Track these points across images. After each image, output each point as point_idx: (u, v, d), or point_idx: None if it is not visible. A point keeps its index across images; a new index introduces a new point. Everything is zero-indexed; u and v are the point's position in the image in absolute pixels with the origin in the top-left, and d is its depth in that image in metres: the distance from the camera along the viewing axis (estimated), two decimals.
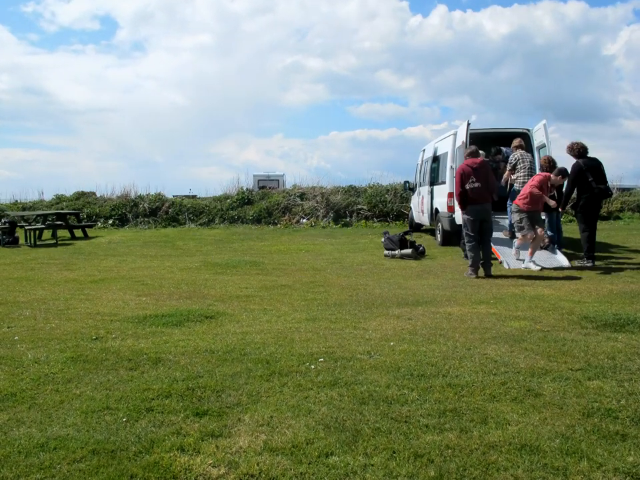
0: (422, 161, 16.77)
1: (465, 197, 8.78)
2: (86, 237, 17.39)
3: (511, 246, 10.52)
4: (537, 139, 12.80)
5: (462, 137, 12.25)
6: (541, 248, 10.12)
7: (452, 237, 12.94)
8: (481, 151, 9.85)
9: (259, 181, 29.18)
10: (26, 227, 15.79)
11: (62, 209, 21.36)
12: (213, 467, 2.71)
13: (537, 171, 12.74)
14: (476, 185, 8.73)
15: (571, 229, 17.88)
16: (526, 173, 11.10)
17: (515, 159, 11.39)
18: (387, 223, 20.55)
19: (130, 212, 22.04)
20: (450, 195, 12.69)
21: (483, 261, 8.85)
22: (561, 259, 10.07)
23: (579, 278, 8.39)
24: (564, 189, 10.18)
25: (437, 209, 14.14)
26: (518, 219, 9.46)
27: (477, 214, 8.82)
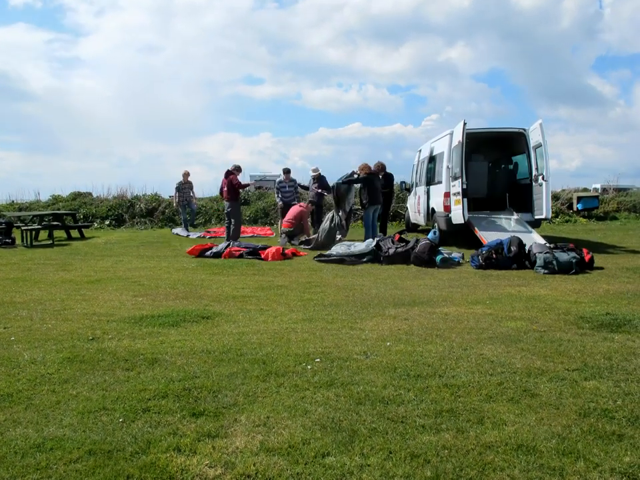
0: (418, 161, 16.81)
1: None
2: (82, 237, 17.36)
3: None
4: (533, 138, 12.86)
5: (458, 137, 12.30)
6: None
7: (449, 236, 12.97)
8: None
9: (255, 181, 29.22)
10: (22, 228, 15.75)
11: (58, 209, 21.37)
12: (209, 467, 2.71)
13: (537, 173, 12.82)
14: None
15: (567, 230, 17.96)
16: None
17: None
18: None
19: (126, 212, 22.05)
20: (446, 194, 12.73)
21: None
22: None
23: (576, 278, 8.41)
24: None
25: (433, 208, 14.17)
26: None
27: None
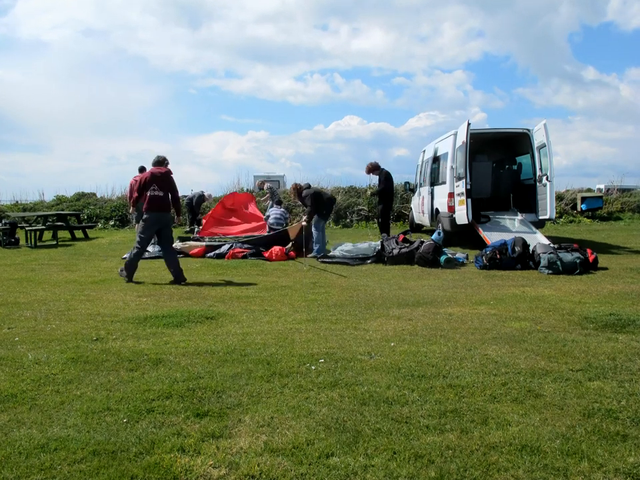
0: (422, 161, 16.79)
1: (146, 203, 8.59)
2: (86, 237, 17.39)
3: None
4: (537, 138, 12.84)
5: (462, 137, 12.29)
6: None
7: (453, 237, 12.95)
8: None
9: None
10: (26, 228, 15.78)
11: (62, 209, 21.35)
12: (213, 467, 2.72)
13: (541, 174, 12.81)
14: (158, 193, 8.54)
15: (571, 230, 17.92)
16: None
17: None
18: None
19: (130, 213, 22.02)
20: (450, 195, 12.72)
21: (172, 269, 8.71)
22: None
23: (580, 279, 8.39)
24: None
25: (437, 209, 14.16)
26: None
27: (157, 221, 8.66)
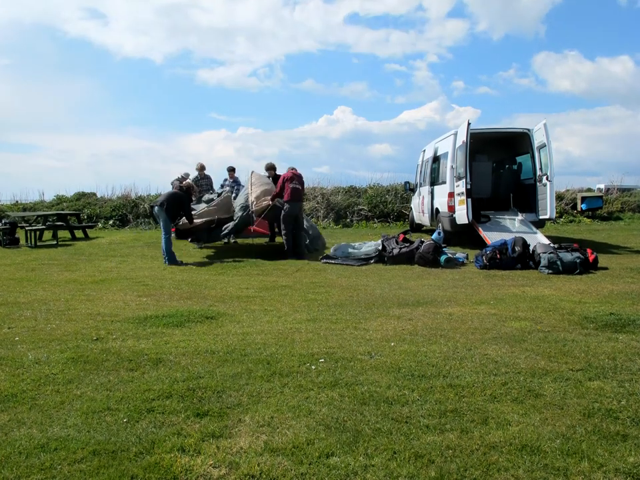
0: (422, 161, 16.79)
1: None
2: (86, 237, 17.38)
3: None
4: (537, 138, 12.85)
5: (462, 137, 12.30)
6: None
7: (453, 236, 12.95)
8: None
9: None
10: (26, 228, 15.77)
11: (62, 209, 21.35)
12: (213, 467, 2.72)
13: (541, 173, 12.79)
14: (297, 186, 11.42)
15: (571, 230, 17.91)
16: None
17: None
18: (388, 224, 20.57)
19: (130, 212, 22.03)
20: (450, 194, 12.73)
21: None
22: None
23: (580, 278, 8.39)
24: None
25: (437, 208, 14.16)
26: None
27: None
